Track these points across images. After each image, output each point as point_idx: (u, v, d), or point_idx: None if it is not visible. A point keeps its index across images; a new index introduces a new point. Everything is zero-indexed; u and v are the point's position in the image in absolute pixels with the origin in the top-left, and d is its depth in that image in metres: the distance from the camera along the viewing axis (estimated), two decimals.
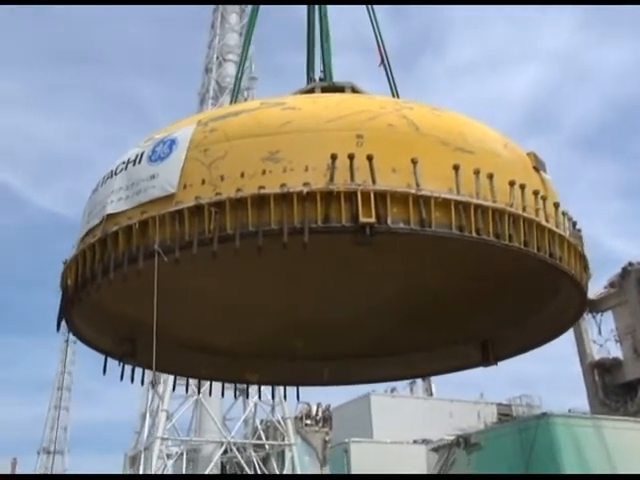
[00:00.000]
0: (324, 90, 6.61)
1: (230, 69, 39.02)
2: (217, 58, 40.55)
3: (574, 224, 5.94)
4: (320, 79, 7.43)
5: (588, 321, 32.83)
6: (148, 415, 34.64)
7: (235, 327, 7.80)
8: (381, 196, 4.81)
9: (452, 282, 6.80)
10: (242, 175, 4.98)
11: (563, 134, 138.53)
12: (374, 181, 4.83)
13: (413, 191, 4.86)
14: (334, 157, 4.85)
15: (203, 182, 5.09)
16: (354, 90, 6.58)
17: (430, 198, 4.88)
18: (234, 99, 8.33)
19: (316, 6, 7.95)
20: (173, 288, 6.40)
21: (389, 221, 4.78)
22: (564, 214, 5.76)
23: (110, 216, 5.52)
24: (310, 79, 7.67)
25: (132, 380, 7.63)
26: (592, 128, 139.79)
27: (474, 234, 4.96)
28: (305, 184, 4.82)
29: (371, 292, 7.17)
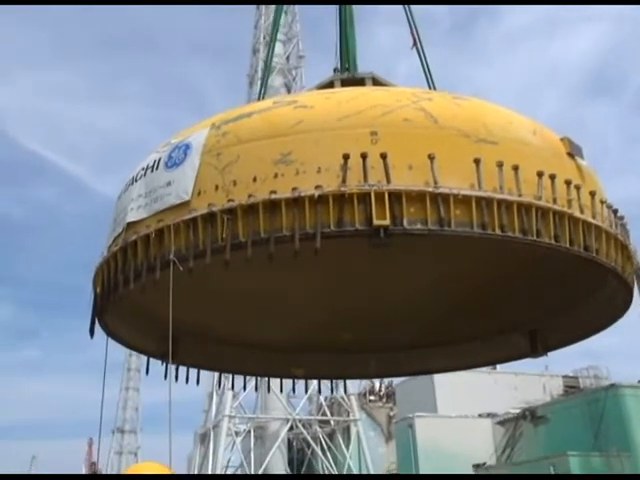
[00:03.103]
0: (344, 83, 6.33)
1: (277, 49, 38.42)
2: (264, 38, 40.02)
3: (615, 212, 5.52)
4: (346, 69, 7.15)
5: None
6: (215, 394, 35.39)
7: (278, 323, 7.73)
8: (396, 196, 4.58)
9: (492, 273, 6.50)
10: (254, 179, 4.84)
11: (626, 97, 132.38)
12: (389, 180, 4.60)
13: (430, 189, 4.61)
14: (346, 157, 4.64)
15: (216, 188, 4.99)
16: (375, 81, 6.30)
17: (449, 196, 4.61)
18: (262, 95, 8.14)
19: None
20: (214, 288, 6.36)
21: (405, 222, 4.55)
22: (602, 202, 5.36)
23: (130, 224, 5.51)
24: (341, 69, 7.38)
25: (177, 378, 7.70)
26: None
27: (498, 231, 4.67)
28: (317, 187, 4.63)
29: (413, 283, 6.96)
